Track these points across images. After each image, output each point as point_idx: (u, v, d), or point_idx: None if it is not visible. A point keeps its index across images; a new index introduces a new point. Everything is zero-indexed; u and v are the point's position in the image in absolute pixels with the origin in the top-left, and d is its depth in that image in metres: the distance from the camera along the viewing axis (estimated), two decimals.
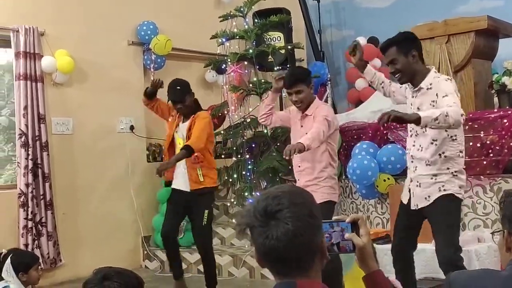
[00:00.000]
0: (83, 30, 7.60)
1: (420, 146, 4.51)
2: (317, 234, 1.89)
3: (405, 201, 4.66)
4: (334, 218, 2.17)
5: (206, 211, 6.00)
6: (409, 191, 4.62)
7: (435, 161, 4.44)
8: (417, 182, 4.53)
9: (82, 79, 7.61)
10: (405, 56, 4.44)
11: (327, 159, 5.24)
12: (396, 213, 5.00)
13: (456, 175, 4.44)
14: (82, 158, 7.56)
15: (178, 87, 6.04)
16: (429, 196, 4.46)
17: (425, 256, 5.42)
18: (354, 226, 2.12)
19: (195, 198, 5.99)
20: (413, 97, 4.53)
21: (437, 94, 4.33)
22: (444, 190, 4.41)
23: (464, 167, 4.52)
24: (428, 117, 4.04)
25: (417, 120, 4.07)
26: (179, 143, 6.05)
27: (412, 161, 4.60)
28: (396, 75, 4.52)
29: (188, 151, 5.76)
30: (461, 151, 4.47)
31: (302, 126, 5.31)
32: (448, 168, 4.43)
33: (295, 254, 1.83)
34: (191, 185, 5.97)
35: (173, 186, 6.15)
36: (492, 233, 2.18)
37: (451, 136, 4.41)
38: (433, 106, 4.34)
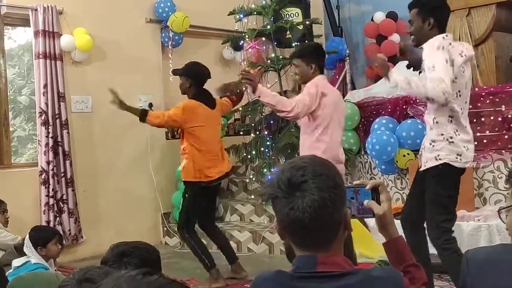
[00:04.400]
0: (101, 8, 7.60)
1: (428, 108, 4.47)
2: (341, 205, 1.87)
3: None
4: (355, 183, 2.15)
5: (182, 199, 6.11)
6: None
7: (432, 126, 4.39)
8: (423, 144, 4.48)
9: (100, 57, 7.63)
10: (422, 21, 4.37)
11: (318, 136, 5.09)
12: None
13: (453, 142, 4.30)
14: (102, 136, 7.60)
15: (186, 65, 6.17)
16: (426, 162, 4.41)
17: None
18: (375, 192, 2.10)
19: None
20: None
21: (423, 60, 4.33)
22: (440, 159, 4.35)
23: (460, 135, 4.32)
24: (401, 81, 4.16)
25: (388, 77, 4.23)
26: None
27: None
28: (411, 36, 4.46)
29: (142, 114, 6.02)
30: (450, 117, 4.30)
31: None
32: (442, 134, 4.34)
33: (319, 226, 1.81)
34: None
35: None
36: (499, 211, 2.05)
37: None
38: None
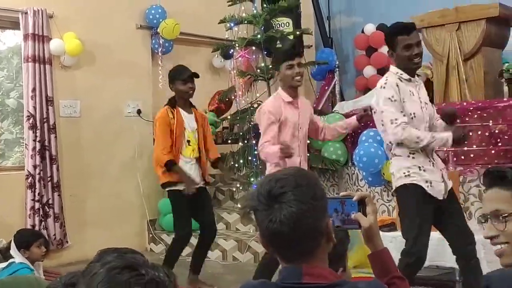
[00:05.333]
0: (91, 13, 7.60)
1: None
2: (321, 217, 1.87)
3: (441, 197, 4.43)
4: (341, 194, 2.16)
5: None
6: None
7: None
8: (446, 173, 4.56)
9: (90, 62, 7.62)
10: None
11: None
12: None
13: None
14: (89, 141, 7.59)
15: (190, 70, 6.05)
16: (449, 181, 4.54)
17: (432, 243, 5.39)
18: (361, 204, 2.11)
19: None
20: (418, 89, 4.50)
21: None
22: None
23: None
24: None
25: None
26: (192, 137, 5.99)
27: (432, 155, 4.47)
28: (418, 58, 4.43)
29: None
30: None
31: (300, 114, 5.13)
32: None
33: (299, 237, 1.82)
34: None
35: None
36: (506, 215, 1.97)
37: None
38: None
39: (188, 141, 5.93)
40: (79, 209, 7.46)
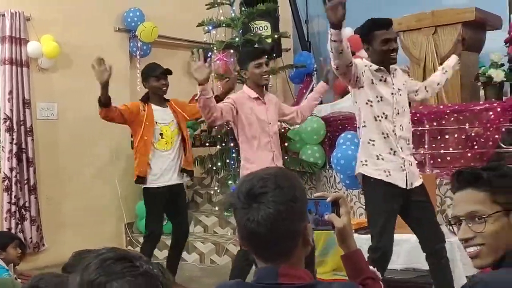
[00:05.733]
0: (69, 16, 7.56)
1: (401, 125, 4.52)
2: (300, 219, 1.88)
3: (403, 185, 4.46)
4: (315, 195, 2.16)
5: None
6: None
7: (411, 144, 4.62)
8: (410, 161, 4.53)
9: (67, 65, 7.59)
10: None
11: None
12: None
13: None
14: (67, 144, 7.55)
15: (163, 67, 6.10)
16: (420, 176, 4.52)
17: (409, 246, 5.44)
18: (335, 205, 2.12)
19: None
20: (393, 76, 4.55)
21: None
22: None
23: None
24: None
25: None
26: (166, 130, 6.01)
27: (398, 142, 4.49)
28: (394, 53, 4.50)
29: None
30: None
31: (268, 110, 5.21)
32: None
33: (275, 238, 1.83)
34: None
35: None
36: (484, 217, 1.95)
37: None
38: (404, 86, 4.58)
39: (161, 134, 5.96)
40: (55, 212, 7.42)
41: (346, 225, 2.11)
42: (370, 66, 4.46)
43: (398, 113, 4.48)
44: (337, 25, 4.03)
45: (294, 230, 1.86)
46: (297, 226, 1.86)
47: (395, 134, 4.44)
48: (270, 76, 5.25)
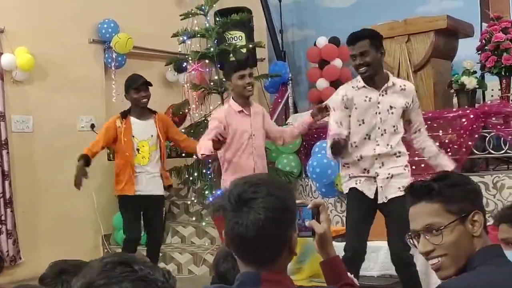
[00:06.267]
0: (43, 28, 7.53)
1: (387, 141, 4.63)
2: (287, 228, 1.90)
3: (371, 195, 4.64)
4: (296, 202, 2.18)
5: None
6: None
7: (396, 159, 4.67)
8: (386, 174, 4.61)
9: (42, 77, 7.55)
10: (376, 51, 4.54)
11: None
12: None
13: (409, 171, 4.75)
14: (42, 157, 7.50)
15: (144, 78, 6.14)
16: (399, 188, 4.54)
17: (384, 253, 5.49)
18: (315, 211, 2.14)
19: None
20: (381, 95, 4.58)
21: (413, 100, 4.64)
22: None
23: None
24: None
25: None
26: (143, 145, 6.04)
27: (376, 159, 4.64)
28: (363, 68, 4.55)
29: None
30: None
31: (251, 122, 5.28)
32: (406, 166, 4.69)
33: (261, 244, 1.84)
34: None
35: None
36: (441, 228, 2.06)
37: (402, 134, 4.74)
38: (407, 107, 4.60)
39: (138, 149, 6.01)
40: (32, 225, 7.36)
41: (326, 231, 2.13)
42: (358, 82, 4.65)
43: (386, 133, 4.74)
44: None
45: (281, 238, 1.88)
46: (284, 234, 1.88)
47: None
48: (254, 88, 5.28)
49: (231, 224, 1.85)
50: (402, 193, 4.49)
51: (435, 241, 2.07)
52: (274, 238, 1.86)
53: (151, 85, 6.12)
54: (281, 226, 1.86)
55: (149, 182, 6.06)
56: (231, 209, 1.87)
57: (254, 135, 5.21)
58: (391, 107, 4.55)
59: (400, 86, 4.61)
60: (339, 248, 5.20)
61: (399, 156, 4.62)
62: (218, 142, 4.73)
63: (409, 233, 2.16)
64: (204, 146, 4.91)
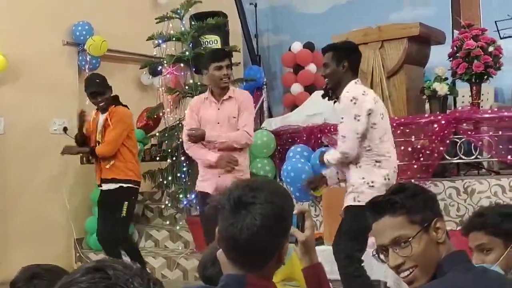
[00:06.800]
0: (16, 29, 7.47)
1: None
2: (280, 237, 1.92)
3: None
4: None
5: (126, 203, 6.17)
6: None
7: (355, 170, 4.67)
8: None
9: (14, 78, 7.48)
10: (337, 64, 4.56)
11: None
12: (328, 216, 5.11)
13: (373, 186, 4.57)
14: (14, 159, 7.43)
15: (98, 80, 6.25)
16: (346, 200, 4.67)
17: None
18: (300, 218, 2.16)
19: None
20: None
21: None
22: (358, 201, 4.57)
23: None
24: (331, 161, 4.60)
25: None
26: (98, 138, 6.24)
27: None
28: (325, 79, 4.68)
29: (92, 154, 6.23)
30: (377, 162, 4.61)
31: (219, 109, 5.32)
32: (363, 178, 4.60)
33: (252, 249, 1.86)
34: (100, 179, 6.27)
35: None
36: (408, 241, 2.09)
37: (365, 147, 4.60)
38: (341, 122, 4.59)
39: (98, 142, 6.22)
40: (2, 228, 7.28)
41: (308, 238, 2.15)
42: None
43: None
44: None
45: (273, 246, 1.90)
46: (276, 243, 1.90)
47: None
48: (229, 78, 5.31)
49: (226, 225, 1.87)
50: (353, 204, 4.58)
51: (404, 253, 2.09)
52: (266, 244, 1.87)
53: (94, 96, 6.27)
54: (275, 234, 1.88)
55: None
56: (229, 209, 1.88)
57: (219, 123, 5.22)
58: (342, 118, 4.59)
59: (340, 99, 4.61)
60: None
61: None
62: (197, 138, 5.03)
63: (376, 249, 2.17)
64: (203, 156, 5.21)
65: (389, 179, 4.52)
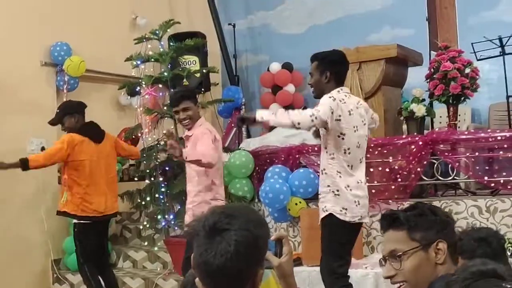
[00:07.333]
0: None
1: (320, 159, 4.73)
2: (255, 264, 1.91)
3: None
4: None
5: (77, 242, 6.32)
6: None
7: (321, 177, 4.71)
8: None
9: None
10: (320, 74, 4.63)
11: (204, 182, 5.31)
12: (307, 237, 5.12)
13: (338, 194, 4.52)
14: None
15: (57, 110, 6.39)
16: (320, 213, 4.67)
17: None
18: (278, 243, 2.17)
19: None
20: None
21: None
22: (326, 210, 4.57)
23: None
24: (265, 114, 4.41)
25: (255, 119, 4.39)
26: None
27: None
28: (311, 88, 4.76)
29: (22, 163, 6.06)
30: (339, 172, 4.55)
31: (186, 146, 5.43)
32: (328, 186, 4.57)
33: (226, 276, 1.86)
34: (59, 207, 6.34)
35: None
36: (401, 254, 2.23)
37: (330, 154, 4.56)
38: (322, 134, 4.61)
39: None
40: None
41: (283, 263, 2.15)
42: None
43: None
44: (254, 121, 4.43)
45: (247, 273, 1.90)
46: (250, 270, 1.90)
47: None
48: (189, 119, 5.37)
49: (201, 251, 1.87)
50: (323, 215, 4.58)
51: (396, 266, 2.23)
52: (240, 271, 1.87)
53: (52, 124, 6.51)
54: (249, 261, 1.88)
55: None
56: (204, 235, 1.88)
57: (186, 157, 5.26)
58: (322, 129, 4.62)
59: None
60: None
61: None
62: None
63: (380, 259, 2.33)
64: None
65: (350, 189, 4.54)
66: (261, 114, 4.38)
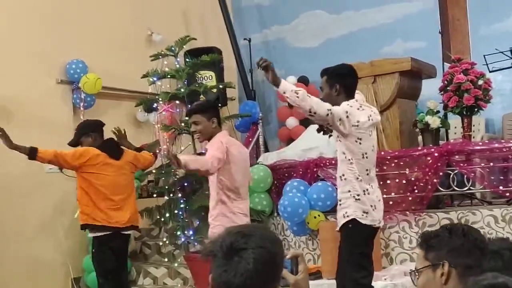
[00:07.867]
0: (9, 67, 7.46)
1: (338, 166, 4.75)
2: (273, 281, 1.96)
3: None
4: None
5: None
6: None
7: (340, 184, 4.70)
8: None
9: (8, 117, 7.38)
10: (329, 87, 4.68)
11: (219, 196, 5.22)
12: (326, 250, 5.10)
13: (359, 199, 4.53)
14: (7, 199, 7.31)
15: (75, 131, 6.48)
16: (339, 221, 4.68)
17: None
18: (294, 261, 2.21)
19: None
20: None
21: None
22: (347, 216, 4.57)
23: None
24: (289, 89, 4.48)
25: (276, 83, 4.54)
26: None
27: None
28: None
29: (31, 151, 6.09)
30: (359, 176, 4.56)
31: None
32: (349, 191, 4.57)
33: None
34: None
35: None
36: (415, 271, 2.40)
37: (349, 160, 4.57)
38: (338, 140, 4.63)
39: None
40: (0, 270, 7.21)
41: (299, 281, 2.20)
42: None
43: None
44: (275, 84, 4.52)
45: None
46: (269, 287, 1.95)
47: None
48: (198, 133, 5.34)
49: (220, 271, 1.91)
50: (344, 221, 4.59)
51: (415, 281, 2.40)
52: None
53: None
54: (267, 278, 1.92)
55: None
56: (222, 256, 1.92)
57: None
58: (338, 136, 4.65)
59: None
60: (311, 286, 5.24)
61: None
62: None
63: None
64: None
65: (368, 193, 4.56)
66: (284, 87, 4.50)
